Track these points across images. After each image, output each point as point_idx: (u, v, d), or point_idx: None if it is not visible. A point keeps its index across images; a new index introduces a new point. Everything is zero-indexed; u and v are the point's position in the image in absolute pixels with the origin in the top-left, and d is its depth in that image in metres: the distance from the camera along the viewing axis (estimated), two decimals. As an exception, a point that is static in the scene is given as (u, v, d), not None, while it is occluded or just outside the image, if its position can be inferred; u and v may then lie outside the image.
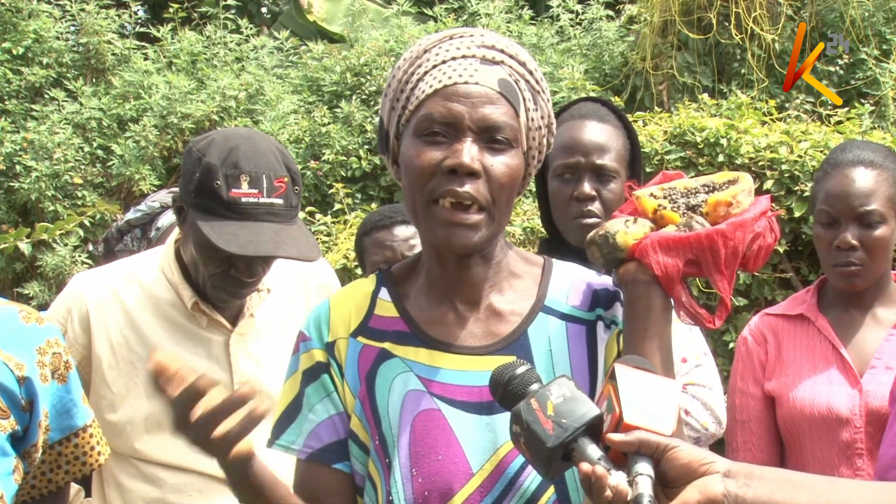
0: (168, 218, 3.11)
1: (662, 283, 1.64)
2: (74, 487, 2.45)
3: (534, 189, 2.62)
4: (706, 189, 1.71)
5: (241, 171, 2.29)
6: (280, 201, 2.32)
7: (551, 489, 1.60)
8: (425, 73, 1.63)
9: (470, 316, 1.68)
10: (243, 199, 2.29)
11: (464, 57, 1.63)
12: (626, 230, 1.66)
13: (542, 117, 1.67)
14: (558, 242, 2.53)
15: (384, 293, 1.72)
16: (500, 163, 1.60)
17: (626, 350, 1.64)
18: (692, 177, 1.77)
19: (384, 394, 1.65)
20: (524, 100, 1.64)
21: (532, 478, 1.60)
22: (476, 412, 1.62)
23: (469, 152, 1.58)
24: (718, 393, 2.52)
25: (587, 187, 2.44)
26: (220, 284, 2.37)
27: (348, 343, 1.69)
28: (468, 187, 1.57)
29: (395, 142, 1.67)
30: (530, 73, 1.66)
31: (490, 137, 1.60)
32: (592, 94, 5.92)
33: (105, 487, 2.45)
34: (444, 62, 1.63)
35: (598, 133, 2.46)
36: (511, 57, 1.65)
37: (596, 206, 2.45)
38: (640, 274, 1.64)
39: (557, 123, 2.51)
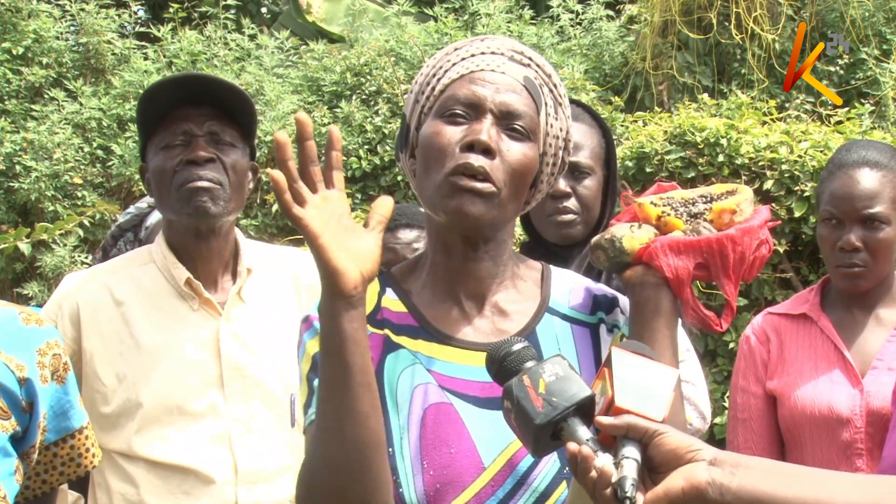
0: (156, 216, 3.10)
1: (672, 286, 1.66)
2: (73, 495, 2.45)
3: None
4: (703, 199, 1.74)
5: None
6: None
7: (563, 485, 1.60)
8: (453, 64, 1.67)
9: (476, 312, 1.68)
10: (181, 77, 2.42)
11: (493, 53, 1.67)
12: (633, 235, 1.69)
13: (560, 129, 1.70)
14: (537, 243, 2.60)
15: (390, 292, 1.71)
16: (517, 149, 1.62)
17: None
18: (692, 177, 1.79)
19: (392, 385, 1.64)
20: (546, 104, 1.67)
21: (544, 475, 1.60)
22: (487, 407, 1.61)
23: (487, 131, 1.60)
24: (702, 388, 2.51)
25: (563, 184, 2.51)
26: (185, 182, 2.36)
27: None
28: (483, 162, 1.59)
29: (414, 133, 1.68)
30: (555, 85, 1.70)
31: (509, 124, 1.62)
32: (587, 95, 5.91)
33: (97, 491, 2.45)
34: (472, 56, 1.67)
35: (572, 132, 2.50)
36: (538, 66, 1.69)
37: (572, 203, 2.53)
38: (649, 276, 1.67)
39: None
